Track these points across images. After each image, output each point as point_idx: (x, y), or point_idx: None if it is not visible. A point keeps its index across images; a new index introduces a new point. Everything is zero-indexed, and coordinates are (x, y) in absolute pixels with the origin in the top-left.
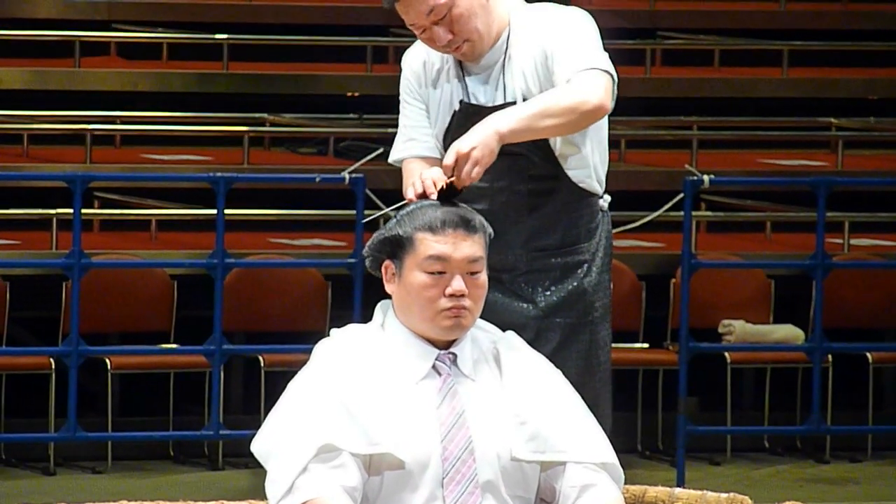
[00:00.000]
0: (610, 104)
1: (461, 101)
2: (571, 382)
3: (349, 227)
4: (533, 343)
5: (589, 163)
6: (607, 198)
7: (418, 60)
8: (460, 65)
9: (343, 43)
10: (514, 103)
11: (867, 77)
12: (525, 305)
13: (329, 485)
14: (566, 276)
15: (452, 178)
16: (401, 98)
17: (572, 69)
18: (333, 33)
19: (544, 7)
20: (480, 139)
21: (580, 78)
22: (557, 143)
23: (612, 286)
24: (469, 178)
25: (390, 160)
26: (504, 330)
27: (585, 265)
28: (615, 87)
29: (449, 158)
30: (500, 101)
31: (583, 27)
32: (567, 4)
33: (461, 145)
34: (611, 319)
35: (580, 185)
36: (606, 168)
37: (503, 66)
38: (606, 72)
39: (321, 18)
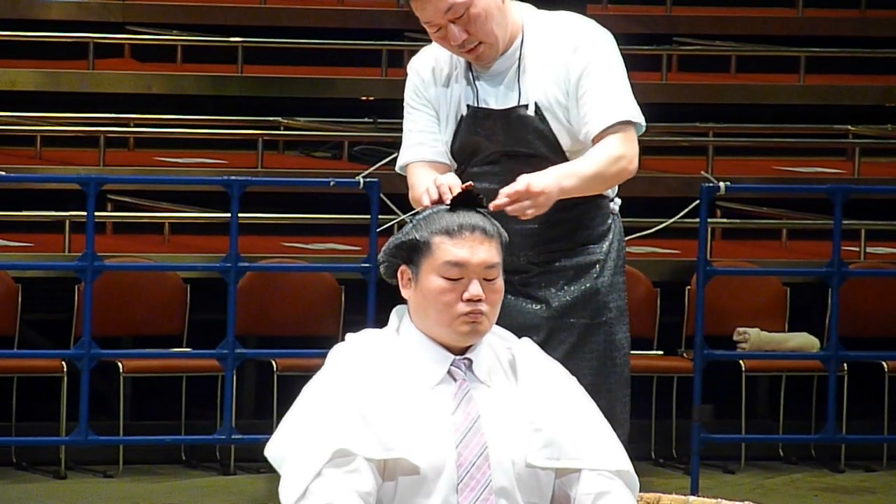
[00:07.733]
0: None
1: (469, 106)
2: (587, 384)
3: (363, 231)
4: (546, 343)
5: None
6: (618, 201)
7: (427, 66)
8: (470, 69)
9: (358, 47)
10: (526, 107)
11: (884, 84)
12: (538, 306)
13: (343, 490)
14: (579, 277)
15: (468, 185)
16: (406, 104)
17: (608, 119)
18: (348, 37)
19: (560, 16)
20: (550, 189)
21: (622, 142)
22: (567, 143)
23: (625, 290)
24: (521, 213)
25: (397, 167)
26: (516, 331)
27: (598, 265)
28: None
29: (518, 186)
30: (512, 104)
31: (610, 58)
32: (583, 12)
33: (535, 182)
34: (628, 322)
35: None
36: None
37: (518, 70)
38: (637, 124)
39: (336, 22)
